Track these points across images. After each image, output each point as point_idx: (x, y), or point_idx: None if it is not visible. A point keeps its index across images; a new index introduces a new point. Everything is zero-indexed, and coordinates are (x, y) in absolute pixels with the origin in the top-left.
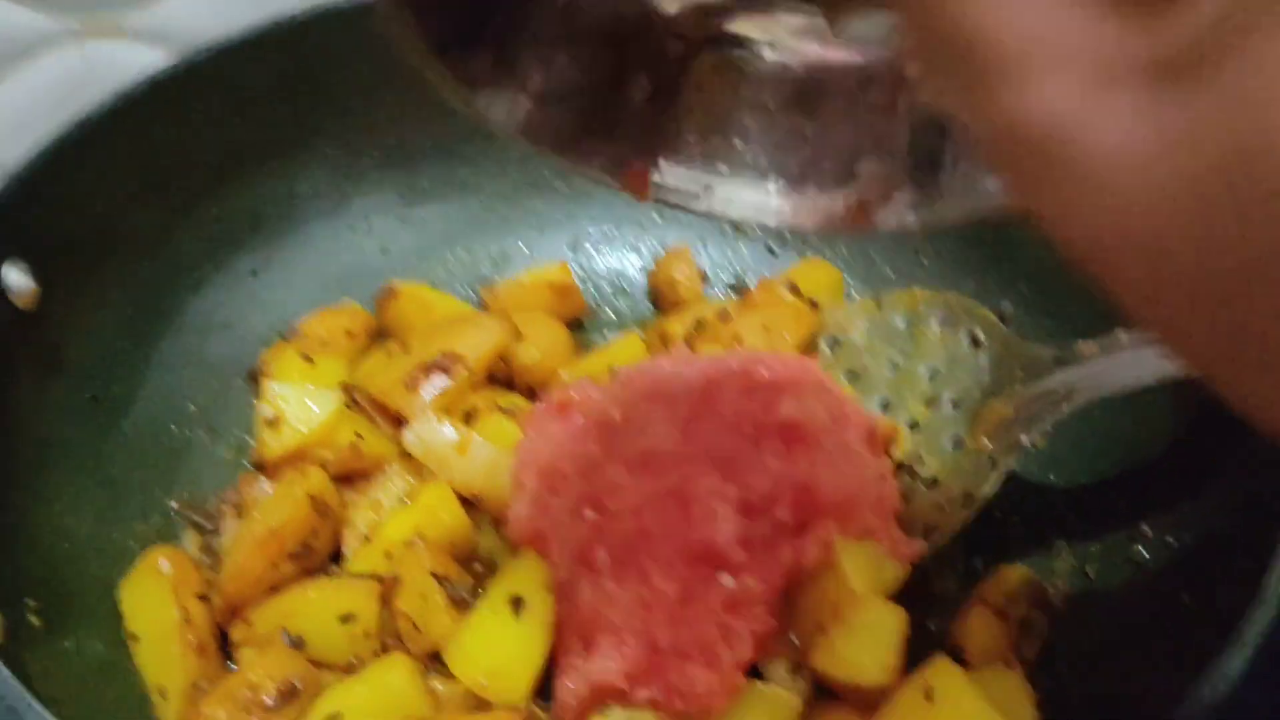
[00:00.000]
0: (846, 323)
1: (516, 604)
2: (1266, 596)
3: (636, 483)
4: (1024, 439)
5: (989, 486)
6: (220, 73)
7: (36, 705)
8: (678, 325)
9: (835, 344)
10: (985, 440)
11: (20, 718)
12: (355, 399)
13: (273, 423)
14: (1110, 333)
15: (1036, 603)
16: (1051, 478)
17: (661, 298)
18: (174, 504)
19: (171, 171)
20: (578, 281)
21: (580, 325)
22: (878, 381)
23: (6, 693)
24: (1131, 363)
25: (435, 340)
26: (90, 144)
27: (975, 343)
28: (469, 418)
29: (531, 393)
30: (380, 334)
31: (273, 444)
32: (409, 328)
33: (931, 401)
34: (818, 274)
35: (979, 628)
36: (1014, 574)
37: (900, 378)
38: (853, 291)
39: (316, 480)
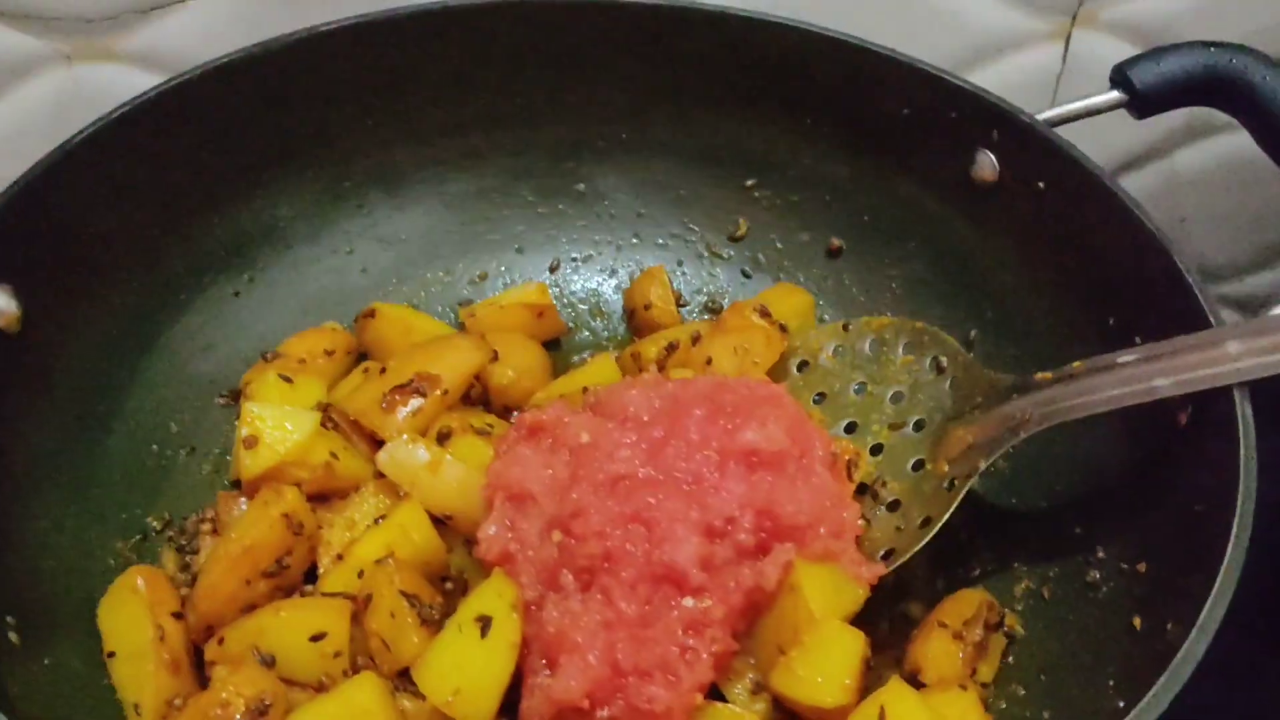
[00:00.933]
0: (815, 346)
1: (484, 624)
2: (1206, 624)
3: (602, 505)
4: (981, 464)
5: (946, 513)
6: (204, 97)
7: None
8: (651, 347)
9: (804, 366)
10: (945, 464)
11: None
12: (333, 419)
13: (250, 443)
14: (1068, 364)
15: (993, 626)
16: (1013, 500)
17: (637, 318)
18: (154, 523)
19: (155, 194)
20: (555, 302)
21: (558, 345)
22: (844, 404)
23: None
24: (1086, 389)
25: (413, 362)
26: (74, 169)
27: (939, 368)
28: (443, 438)
29: (506, 412)
30: (360, 354)
31: (250, 464)
32: (388, 349)
33: (895, 425)
34: (790, 298)
35: (937, 650)
36: (973, 597)
37: (866, 401)
38: (825, 315)
39: (292, 499)
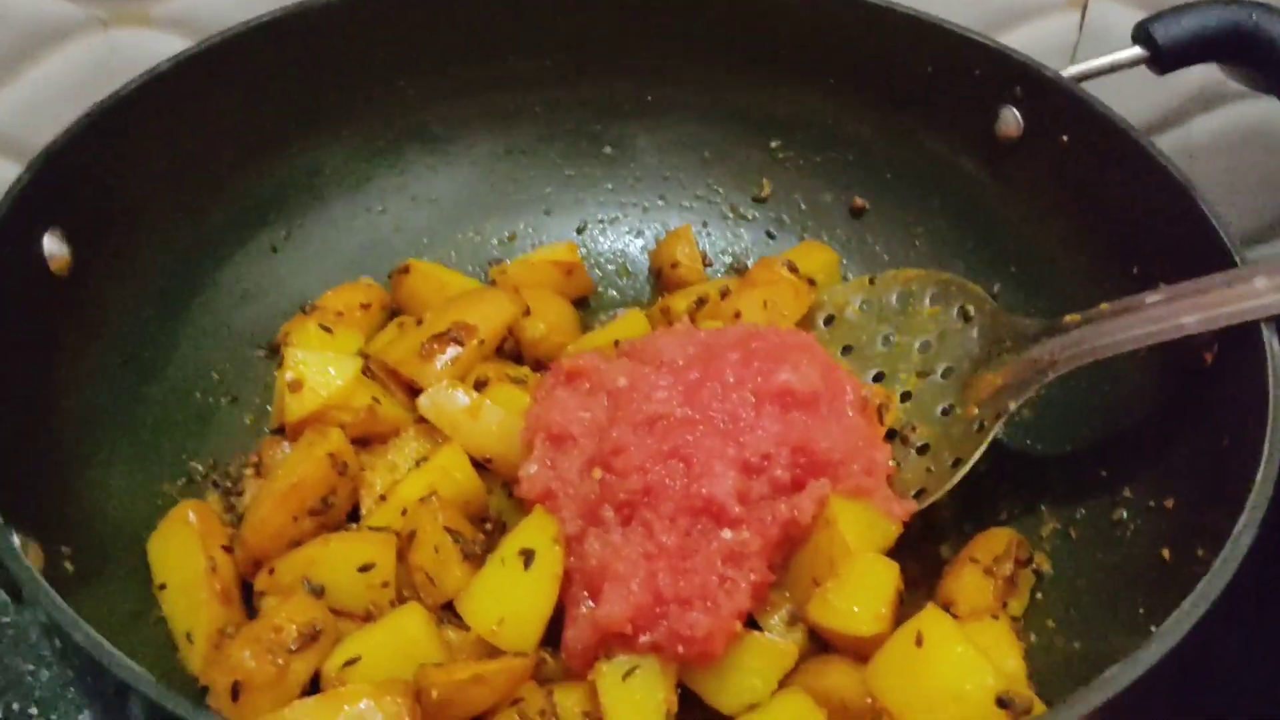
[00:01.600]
0: (842, 300)
1: (527, 557)
2: (1235, 550)
3: (642, 443)
4: (1011, 405)
5: (977, 452)
6: (244, 56)
7: (86, 626)
8: (681, 301)
9: (830, 321)
10: (974, 408)
11: (68, 637)
12: (371, 369)
13: (295, 386)
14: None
15: (1022, 561)
16: (1038, 446)
17: (663, 278)
18: (199, 467)
19: (198, 149)
20: (583, 262)
21: (585, 304)
22: (871, 355)
23: (60, 618)
24: (1113, 329)
25: (448, 313)
26: (121, 120)
27: (965, 317)
28: (480, 386)
29: (539, 365)
30: (394, 310)
31: (294, 407)
32: (422, 303)
33: (923, 373)
34: (815, 255)
35: (969, 584)
36: (1002, 534)
37: (893, 351)
38: (849, 274)
39: (336, 440)
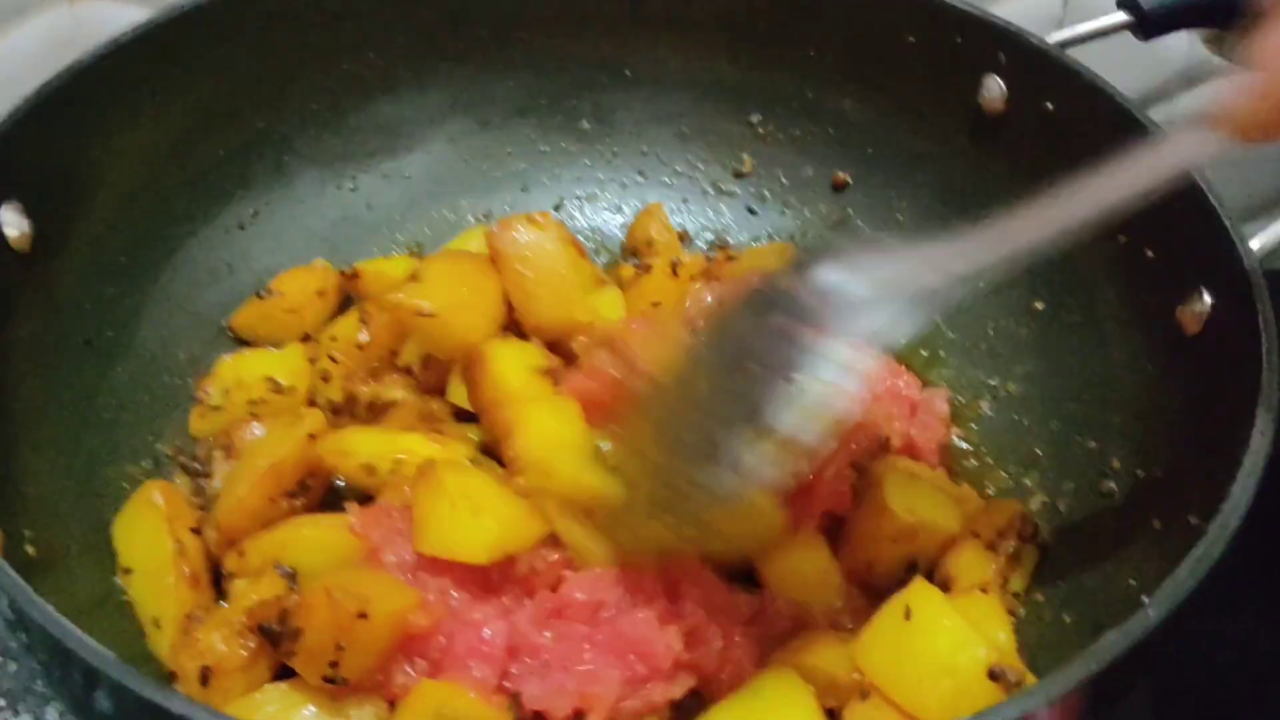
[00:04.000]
0: None
1: None
2: (1230, 518)
3: None
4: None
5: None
6: (208, 27)
7: (46, 606)
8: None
9: None
10: None
11: (32, 621)
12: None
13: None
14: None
15: (1026, 536)
16: (1025, 421)
17: (639, 254)
18: (164, 449)
19: (161, 122)
20: None
21: None
22: None
23: (19, 596)
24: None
25: None
26: (81, 92)
27: None
28: None
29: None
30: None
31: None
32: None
33: None
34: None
35: (970, 560)
36: (1005, 507)
37: None
38: None
39: (315, 421)
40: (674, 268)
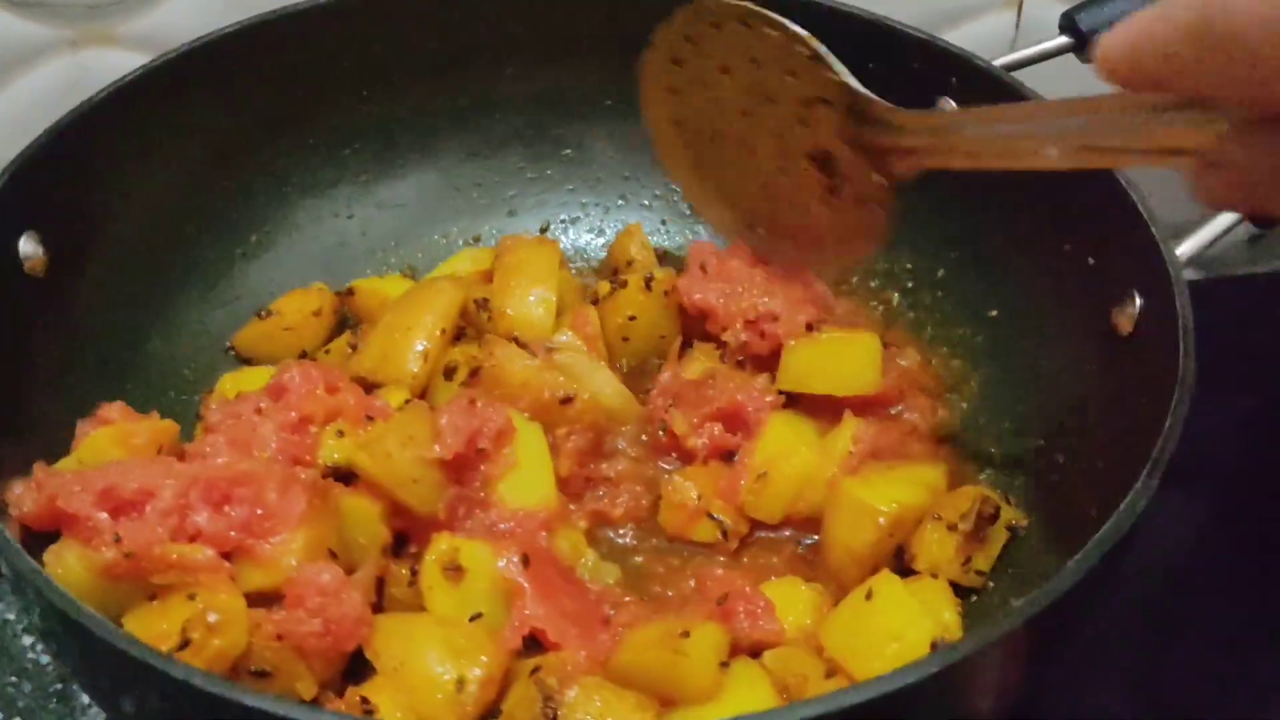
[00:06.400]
0: None
1: None
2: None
3: None
4: None
5: None
6: (210, 65)
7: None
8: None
9: None
10: None
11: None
12: None
13: None
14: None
15: (987, 518)
16: (981, 421)
17: (619, 272)
18: None
19: (167, 157)
20: None
21: None
22: None
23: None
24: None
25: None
26: (91, 129)
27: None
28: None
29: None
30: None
31: None
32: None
33: None
34: None
35: (932, 540)
36: (969, 491)
37: None
38: None
39: None
40: (647, 283)
